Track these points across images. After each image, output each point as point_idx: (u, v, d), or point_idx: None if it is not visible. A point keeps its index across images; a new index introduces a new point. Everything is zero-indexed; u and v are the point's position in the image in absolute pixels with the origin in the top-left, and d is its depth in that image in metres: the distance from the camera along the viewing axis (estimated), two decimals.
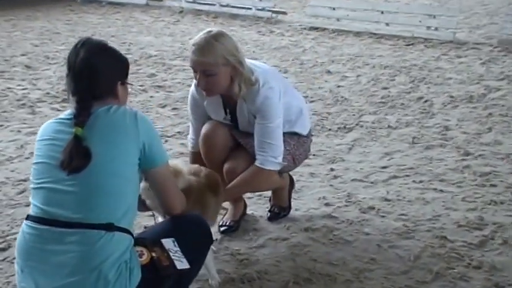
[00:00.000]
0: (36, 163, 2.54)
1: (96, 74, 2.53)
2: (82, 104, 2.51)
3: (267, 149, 3.39)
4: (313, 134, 3.90)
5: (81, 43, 2.58)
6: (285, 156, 3.52)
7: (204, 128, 3.56)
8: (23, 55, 8.20)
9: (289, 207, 3.94)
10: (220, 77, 3.26)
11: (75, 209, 2.40)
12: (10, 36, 9.34)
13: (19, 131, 5.51)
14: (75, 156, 2.41)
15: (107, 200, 2.43)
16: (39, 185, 2.48)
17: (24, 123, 5.67)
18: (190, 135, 3.70)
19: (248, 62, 3.38)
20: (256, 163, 3.42)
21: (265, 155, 3.39)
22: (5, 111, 6.01)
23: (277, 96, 3.38)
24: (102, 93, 2.55)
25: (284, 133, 3.53)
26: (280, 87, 3.42)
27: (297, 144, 3.62)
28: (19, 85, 6.89)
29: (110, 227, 2.41)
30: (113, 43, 8.28)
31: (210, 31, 3.27)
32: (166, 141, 5.24)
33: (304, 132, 3.67)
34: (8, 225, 3.85)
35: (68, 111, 2.57)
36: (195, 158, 3.65)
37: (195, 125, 3.65)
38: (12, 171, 4.64)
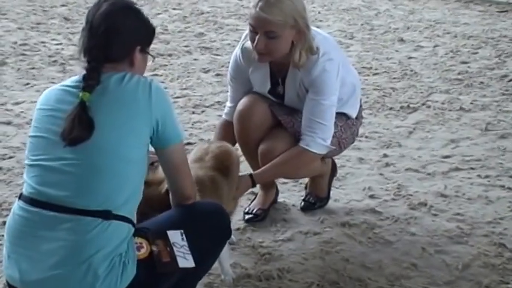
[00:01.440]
0: (33, 136, 2.52)
1: (115, 31, 2.49)
2: (93, 64, 2.47)
3: (317, 129, 3.34)
4: (363, 116, 3.81)
5: None
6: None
7: (240, 104, 3.51)
8: (63, 5, 8.34)
9: (328, 198, 3.88)
10: (283, 40, 3.22)
11: (71, 192, 2.39)
12: None
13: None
14: (77, 126, 2.39)
15: (108, 184, 2.41)
16: (34, 162, 2.48)
17: (53, 83, 5.74)
18: (228, 103, 3.66)
19: (312, 31, 3.33)
20: (301, 143, 3.37)
21: (314, 135, 3.34)
22: (33, 68, 6.13)
23: (335, 70, 3.33)
24: (117, 55, 2.52)
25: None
26: (339, 61, 3.37)
27: (345, 126, 3.55)
28: (53, 39, 7.01)
29: (107, 215, 2.39)
30: None
31: None
32: (203, 111, 5.24)
33: (354, 114, 3.60)
34: (17, 196, 3.91)
35: (75, 77, 2.55)
36: (226, 129, 3.59)
37: (234, 94, 3.60)
38: None
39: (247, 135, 3.49)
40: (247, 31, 3.34)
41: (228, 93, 3.68)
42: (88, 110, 2.41)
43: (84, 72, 2.49)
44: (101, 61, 2.47)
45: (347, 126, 3.57)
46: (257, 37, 3.20)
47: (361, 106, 3.69)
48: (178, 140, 2.57)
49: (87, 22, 2.52)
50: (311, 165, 3.54)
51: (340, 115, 3.52)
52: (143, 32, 2.60)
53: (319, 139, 3.35)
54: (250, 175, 3.39)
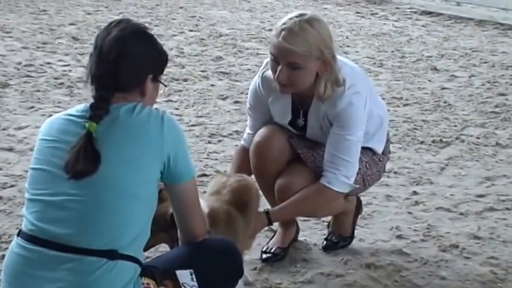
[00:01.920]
0: (33, 168, 2.54)
1: (126, 58, 2.52)
2: (102, 93, 2.50)
3: (340, 166, 3.37)
4: (390, 151, 3.85)
5: (117, 22, 2.60)
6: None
7: (258, 135, 3.55)
8: (71, 24, 8.48)
9: (352, 237, 3.91)
10: (307, 72, 3.25)
11: (74, 230, 2.42)
12: (61, 1, 9.66)
13: (51, 116, 5.65)
14: (82, 158, 2.41)
15: (114, 222, 2.44)
16: (35, 196, 2.50)
17: (59, 107, 5.84)
18: (248, 130, 3.71)
19: (339, 61, 3.37)
20: (323, 181, 3.40)
21: (337, 172, 3.37)
22: (38, 90, 6.22)
23: (362, 104, 3.36)
24: (128, 84, 2.55)
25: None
26: (367, 93, 3.40)
27: (370, 162, 3.59)
28: (61, 60, 7.13)
29: (112, 255, 2.41)
30: (178, 16, 8.36)
31: (303, 14, 3.27)
32: (220, 141, 5.30)
33: (380, 149, 3.64)
34: (17, 228, 3.96)
35: (80, 105, 2.58)
36: (243, 157, 3.64)
37: (253, 123, 3.66)
38: None
39: (264, 168, 3.54)
40: (268, 59, 3.39)
41: (247, 122, 3.74)
42: (95, 142, 2.43)
43: (91, 100, 2.51)
44: (110, 90, 2.50)
45: (373, 162, 3.61)
46: (279, 68, 3.24)
47: (388, 140, 3.72)
48: (189, 177, 2.61)
49: (96, 47, 2.55)
50: (333, 204, 3.57)
51: (366, 150, 3.56)
52: (156, 60, 2.63)
53: (342, 177, 3.38)
54: (267, 212, 3.42)
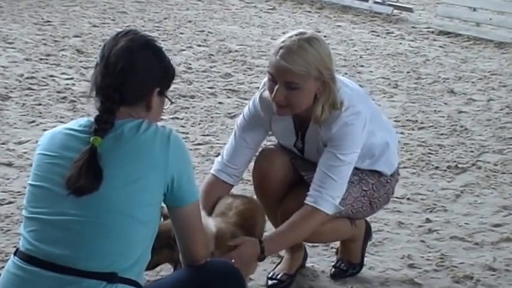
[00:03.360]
0: (32, 185, 2.54)
1: (133, 71, 2.54)
2: (107, 104, 2.51)
3: (327, 185, 3.34)
4: (399, 173, 3.84)
5: (124, 33, 2.62)
6: (359, 199, 3.51)
7: (260, 156, 3.56)
8: (76, 36, 8.52)
9: (361, 264, 3.90)
10: (305, 92, 3.25)
11: (73, 251, 2.42)
12: (66, 12, 9.70)
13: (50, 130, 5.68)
14: (85, 174, 2.42)
15: (115, 245, 2.44)
16: (33, 215, 2.50)
17: (61, 122, 5.85)
18: (223, 158, 3.57)
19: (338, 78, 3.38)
20: (308, 200, 3.34)
21: (322, 191, 3.33)
22: (40, 104, 6.25)
23: (361, 125, 3.35)
24: (133, 98, 2.56)
25: (363, 170, 3.52)
26: (367, 115, 3.40)
27: (377, 184, 3.60)
28: (64, 73, 7.15)
29: (112, 278, 2.42)
30: (187, 30, 8.38)
31: (302, 33, 3.28)
32: None
33: (389, 172, 3.64)
34: (15, 246, 3.96)
35: (82, 120, 2.59)
36: (211, 190, 3.50)
37: (234, 150, 3.55)
38: None
39: (267, 189, 3.54)
40: (266, 78, 3.38)
41: (226, 146, 3.62)
42: (98, 159, 2.43)
43: (94, 114, 2.52)
44: (116, 102, 2.51)
45: (380, 185, 3.61)
46: (276, 87, 3.23)
47: (398, 163, 3.72)
48: (193, 200, 2.62)
49: (103, 58, 2.57)
50: (334, 228, 3.56)
51: (372, 172, 3.57)
52: (163, 74, 2.65)
53: (327, 196, 3.33)
54: (260, 242, 3.27)
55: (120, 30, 2.66)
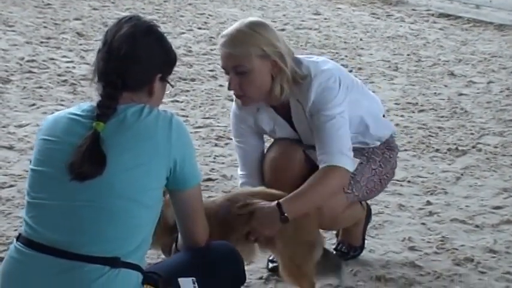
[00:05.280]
0: (34, 170, 2.53)
1: (136, 56, 2.54)
2: (110, 90, 2.51)
3: (329, 143, 3.27)
4: (398, 147, 3.82)
5: (128, 18, 2.62)
6: (371, 178, 3.51)
7: (273, 150, 3.52)
8: (76, 19, 8.48)
9: (362, 247, 3.90)
10: (255, 75, 3.23)
11: (76, 236, 2.41)
12: None
13: (53, 114, 5.66)
14: (88, 160, 2.41)
15: (118, 229, 2.44)
16: (35, 200, 2.49)
17: (61, 105, 5.85)
18: (240, 171, 3.60)
19: (299, 57, 3.36)
20: (321, 164, 3.29)
21: (328, 150, 3.27)
22: (40, 87, 6.23)
23: (335, 81, 3.31)
24: (136, 83, 2.56)
25: (367, 148, 3.54)
26: (341, 77, 3.36)
27: (383, 161, 3.60)
28: (64, 56, 7.13)
29: (115, 262, 2.41)
30: (187, 13, 8.37)
31: (244, 20, 3.28)
32: (226, 144, 5.29)
33: (387, 135, 3.63)
34: (16, 229, 3.97)
35: (85, 104, 2.58)
36: None
37: (244, 158, 3.56)
38: None
39: (284, 185, 3.38)
40: None
41: (239, 162, 3.62)
42: (101, 143, 2.43)
43: (95, 99, 2.52)
44: (118, 88, 2.51)
45: (385, 160, 3.61)
46: (229, 77, 3.25)
47: (393, 135, 3.71)
48: (195, 183, 2.63)
49: (105, 43, 2.56)
50: (352, 214, 3.57)
51: (376, 149, 3.58)
52: (165, 59, 2.65)
53: (336, 151, 3.27)
54: (278, 204, 3.17)
55: (123, 15, 2.65)
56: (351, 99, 3.37)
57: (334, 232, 3.98)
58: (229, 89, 3.29)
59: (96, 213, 2.42)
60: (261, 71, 3.23)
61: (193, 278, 2.62)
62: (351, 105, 3.37)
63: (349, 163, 3.31)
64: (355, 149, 3.41)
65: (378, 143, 3.61)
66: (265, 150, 3.59)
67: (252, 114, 3.48)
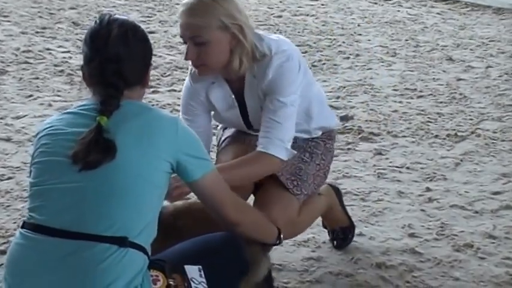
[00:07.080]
0: (39, 162, 2.56)
1: (133, 54, 2.63)
2: (112, 91, 2.57)
3: (273, 130, 3.28)
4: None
5: (108, 19, 2.64)
6: (317, 174, 3.51)
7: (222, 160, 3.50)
8: (72, 8, 8.46)
9: (353, 225, 3.92)
10: (214, 46, 3.20)
11: (84, 215, 2.45)
12: None
13: (50, 105, 5.71)
14: (94, 149, 2.46)
15: (126, 206, 2.47)
16: (41, 186, 2.52)
17: (58, 96, 5.88)
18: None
19: (260, 33, 3.36)
20: (258, 148, 3.31)
21: (270, 136, 3.28)
22: (37, 78, 6.24)
23: (295, 65, 3.31)
24: (134, 80, 2.66)
25: (309, 141, 3.56)
26: (299, 56, 3.37)
27: (325, 153, 3.60)
28: (60, 46, 7.13)
29: (123, 242, 2.44)
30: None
31: None
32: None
33: (332, 124, 3.66)
34: (15, 222, 4.01)
35: (83, 103, 2.64)
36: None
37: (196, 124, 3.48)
38: None
39: None
40: None
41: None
42: (105, 133, 2.48)
43: (96, 98, 2.59)
44: (120, 88, 2.59)
45: (327, 151, 3.62)
46: (186, 46, 3.23)
47: (336, 124, 3.76)
48: (207, 170, 2.68)
49: (98, 51, 2.59)
50: (310, 212, 3.56)
51: (317, 142, 3.59)
52: (151, 50, 2.76)
53: (276, 140, 3.28)
54: None
55: (96, 20, 2.66)
56: (305, 83, 3.39)
57: (322, 227, 3.98)
58: (185, 58, 3.25)
59: (105, 192, 2.46)
60: (219, 43, 3.20)
61: (200, 267, 2.67)
62: (303, 88, 3.38)
63: (284, 154, 3.31)
64: (298, 146, 3.46)
65: (320, 133, 3.61)
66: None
67: (205, 88, 3.43)
